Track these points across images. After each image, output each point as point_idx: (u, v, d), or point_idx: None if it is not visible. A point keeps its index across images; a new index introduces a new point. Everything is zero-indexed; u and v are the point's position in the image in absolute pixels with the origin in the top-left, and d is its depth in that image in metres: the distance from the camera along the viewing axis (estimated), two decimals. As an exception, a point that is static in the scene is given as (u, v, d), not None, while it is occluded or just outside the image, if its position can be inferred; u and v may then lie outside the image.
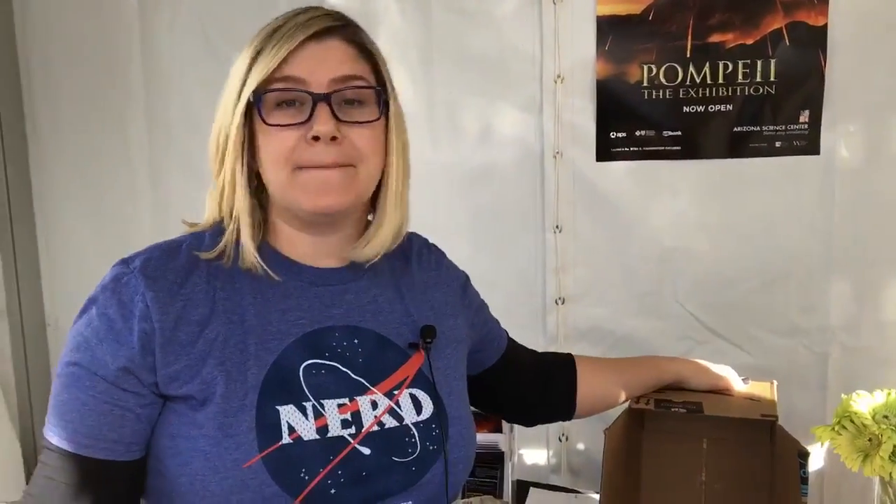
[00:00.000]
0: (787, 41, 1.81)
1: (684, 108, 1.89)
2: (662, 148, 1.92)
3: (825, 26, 1.79)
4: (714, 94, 1.87)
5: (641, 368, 1.38)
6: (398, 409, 0.97)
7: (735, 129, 1.88)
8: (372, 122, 0.96)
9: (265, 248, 0.99)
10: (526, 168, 2.00)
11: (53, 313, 2.35)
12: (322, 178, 0.93)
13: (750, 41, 1.83)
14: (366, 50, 0.98)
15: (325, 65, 0.93)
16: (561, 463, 2.09)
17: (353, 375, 0.96)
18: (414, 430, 0.97)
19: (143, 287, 0.89)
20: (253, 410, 0.88)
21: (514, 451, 1.65)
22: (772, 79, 1.83)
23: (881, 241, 1.85)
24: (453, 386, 1.07)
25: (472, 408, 1.12)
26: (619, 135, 1.94)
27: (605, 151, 1.95)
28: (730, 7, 1.82)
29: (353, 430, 0.92)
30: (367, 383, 0.97)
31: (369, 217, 1.07)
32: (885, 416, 1.18)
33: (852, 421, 1.14)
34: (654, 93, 1.90)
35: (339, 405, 0.93)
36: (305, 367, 0.93)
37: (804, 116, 1.84)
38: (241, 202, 0.96)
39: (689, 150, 1.91)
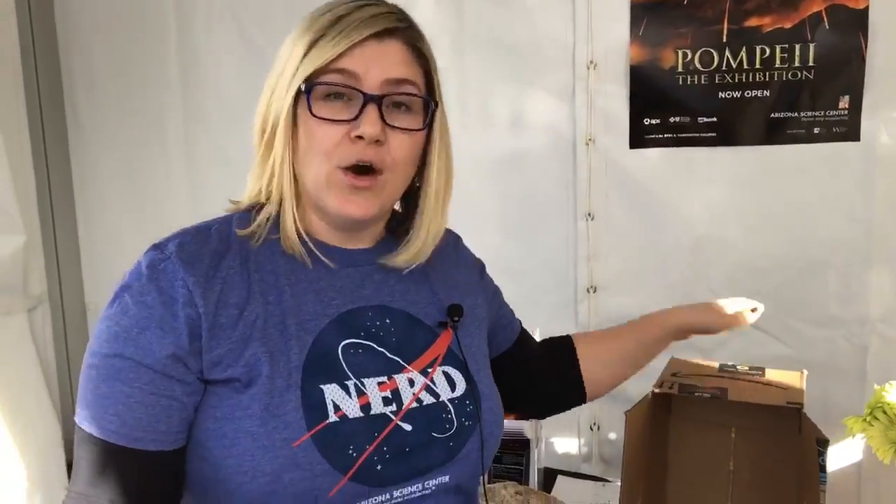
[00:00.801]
0: (826, 24, 1.77)
1: (720, 93, 1.86)
2: (697, 135, 1.89)
3: (866, 9, 1.74)
4: (751, 80, 1.83)
5: (640, 329, 1.34)
6: (434, 386, 0.98)
7: (772, 115, 1.84)
8: (415, 130, 0.96)
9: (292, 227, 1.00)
10: (558, 155, 1.99)
11: (93, 299, 2.41)
12: (354, 183, 0.93)
13: (788, 25, 1.79)
14: (422, 55, 0.98)
15: (381, 65, 0.92)
16: (592, 452, 2.08)
17: (388, 354, 0.97)
18: (450, 406, 0.98)
19: (183, 272, 0.88)
20: (298, 390, 0.88)
21: (540, 438, 1.65)
22: (810, 63, 1.79)
23: (924, 230, 1.81)
24: (481, 364, 1.08)
25: None
26: (653, 121, 1.91)
27: (639, 138, 1.93)
28: (767, -10, 1.79)
29: (394, 407, 0.93)
30: (402, 361, 0.98)
31: (396, 207, 1.07)
32: (919, 408, 1.15)
33: (885, 412, 1.12)
34: (689, 78, 1.87)
35: (379, 383, 0.94)
36: (344, 346, 0.94)
37: (844, 102, 1.80)
38: (288, 188, 0.95)
39: (725, 136, 1.88)
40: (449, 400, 0.98)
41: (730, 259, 1.93)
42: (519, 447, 1.58)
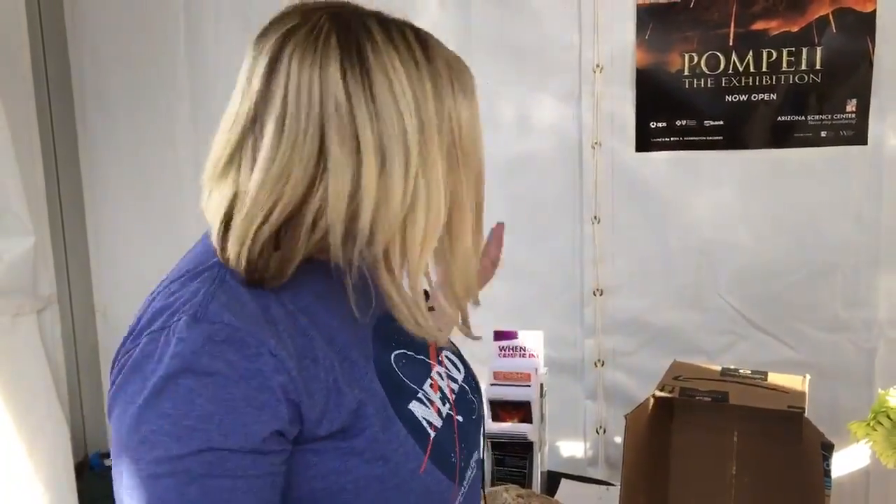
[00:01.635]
0: (833, 28, 1.77)
1: (726, 97, 1.86)
2: (704, 138, 1.89)
3: (874, 13, 1.74)
4: (757, 83, 1.83)
5: None
6: (450, 372, 0.99)
7: (779, 118, 1.84)
8: None
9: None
10: (564, 158, 1.99)
11: (102, 301, 2.42)
12: None
13: (795, 29, 1.79)
14: None
15: None
16: (598, 455, 2.08)
17: (416, 356, 0.95)
18: (466, 386, 1.00)
19: (259, 336, 0.74)
20: (396, 418, 0.83)
21: (544, 441, 1.64)
22: (817, 67, 1.79)
23: (932, 233, 1.80)
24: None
25: None
26: (660, 124, 1.91)
27: (645, 141, 1.93)
28: (774, -6, 1.79)
29: (447, 404, 0.94)
30: (426, 359, 0.97)
31: None
32: (923, 413, 1.15)
33: (889, 416, 1.11)
34: (695, 82, 1.87)
35: (430, 386, 0.93)
36: (394, 359, 0.90)
37: (851, 105, 1.79)
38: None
39: (732, 139, 1.88)
40: (462, 381, 1.00)
41: (737, 262, 1.93)
42: (522, 450, 1.57)
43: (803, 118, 1.83)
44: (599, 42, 1.91)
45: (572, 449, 2.09)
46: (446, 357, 1.01)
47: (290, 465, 0.78)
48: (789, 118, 1.84)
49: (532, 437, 1.58)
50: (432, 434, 0.87)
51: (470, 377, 1.02)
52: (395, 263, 0.81)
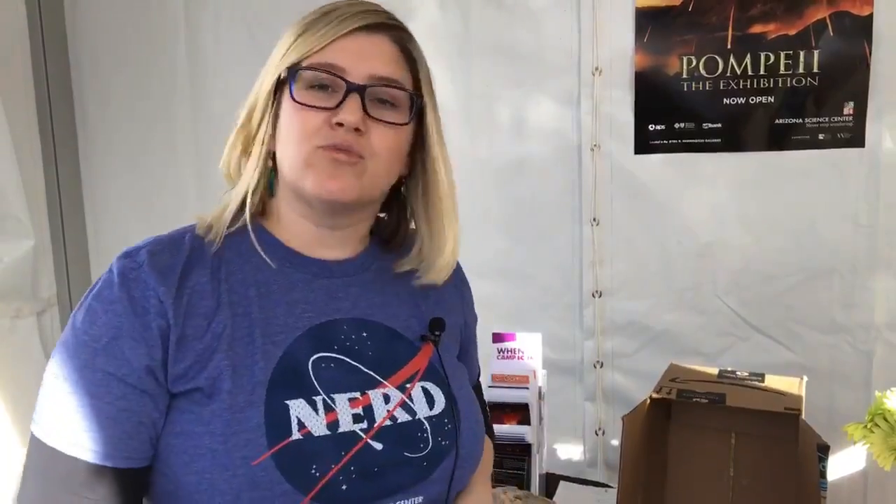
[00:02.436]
0: (830, 31, 1.77)
1: (724, 100, 1.86)
2: (702, 140, 1.90)
3: (870, 16, 1.74)
4: (755, 86, 1.84)
5: None
6: (411, 403, 0.95)
7: (777, 121, 1.85)
8: (398, 125, 0.94)
9: (267, 235, 0.97)
10: (563, 161, 2.00)
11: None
12: (333, 164, 0.91)
13: (792, 32, 1.80)
14: (411, 56, 0.97)
15: (368, 59, 0.92)
16: (597, 458, 2.08)
17: (363, 369, 0.94)
18: (426, 424, 0.95)
19: (154, 282, 0.85)
20: (261, 406, 0.85)
21: (542, 443, 1.65)
22: (815, 70, 1.80)
23: (928, 236, 1.80)
24: (462, 381, 1.05)
25: None
26: (658, 127, 1.92)
27: (644, 144, 1.93)
28: (772, -3, 1.79)
29: (364, 424, 0.90)
30: (378, 377, 0.95)
31: (381, 214, 1.06)
32: (920, 414, 1.15)
33: (885, 419, 1.12)
34: (693, 85, 1.87)
35: (350, 399, 0.91)
36: (314, 360, 0.91)
37: (848, 108, 1.80)
38: (255, 172, 0.94)
39: (730, 142, 1.89)
40: (426, 418, 0.95)
41: (735, 265, 1.94)
42: (520, 452, 1.58)
43: (801, 121, 1.83)
44: (598, 45, 1.92)
45: (571, 451, 2.10)
46: (421, 388, 0.97)
47: (165, 419, 0.87)
48: (787, 121, 1.84)
49: (530, 438, 1.59)
50: (295, 436, 0.86)
51: (443, 421, 0.96)
52: None
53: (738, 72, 1.84)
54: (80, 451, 0.83)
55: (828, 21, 1.77)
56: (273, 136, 0.95)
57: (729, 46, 1.83)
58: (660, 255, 1.99)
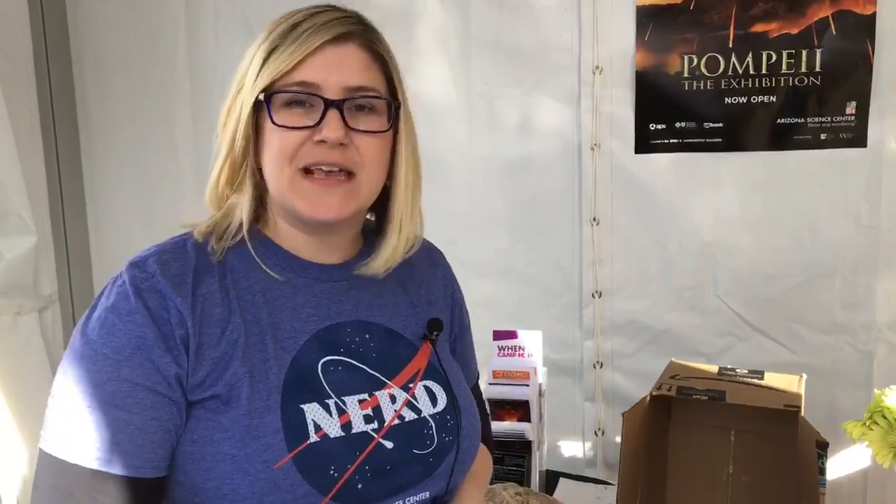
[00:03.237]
0: (833, 30, 1.77)
1: (726, 99, 1.86)
2: (703, 140, 1.90)
3: (873, 15, 1.74)
4: (757, 85, 1.84)
5: None
6: (415, 402, 0.98)
7: (778, 120, 1.84)
8: (380, 132, 0.95)
9: (267, 242, 0.98)
10: (563, 160, 2.00)
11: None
12: (323, 191, 0.92)
13: (795, 31, 1.79)
14: (380, 58, 0.97)
15: (339, 72, 0.91)
16: (597, 456, 2.08)
17: (369, 370, 0.96)
18: (431, 421, 0.98)
19: (170, 291, 0.86)
20: (278, 411, 0.87)
21: (542, 440, 1.65)
22: (817, 69, 1.79)
23: (931, 236, 1.80)
24: (459, 378, 1.08)
25: None
26: (659, 126, 1.91)
27: (644, 143, 1.93)
28: (774, -4, 1.79)
29: (375, 424, 0.93)
30: (383, 378, 0.97)
31: (369, 216, 1.06)
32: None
33: (884, 416, 1.11)
34: (694, 84, 1.87)
35: (360, 401, 0.93)
36: (323, 364, 0.93)
37: (850, 108, 1.79)
38: (247, 197, 0.94)
39: (731, 142, 1.88)
40: (430, 415, 0.98)
41: (735, 265, 1.93)
42: (520, 449, 1.58)
43: (803, 120, 1.83)
44: (599, 44, 1.92)
45: (571, 450, 2.09)
46: (423, 387, 1.00)
47: (183, 426, 0.87)
48: (789, 120, 1.84)
49: (531, 435, 1.59)
50: (313, 439, 0.87)
51: (446, 417, 0.99)
52: None
53: (740, 71, 1.84)
54: (108, 465, 0.83)
55: (830, 20, 1.77)
56: (257, 154, 0.95)
57: (730, 45, 1.83)
58: (660, 255, 1.98)
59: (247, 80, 0.93)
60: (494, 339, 1.72)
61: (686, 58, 1.86)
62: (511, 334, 1.72)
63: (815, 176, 1.85)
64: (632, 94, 1.92)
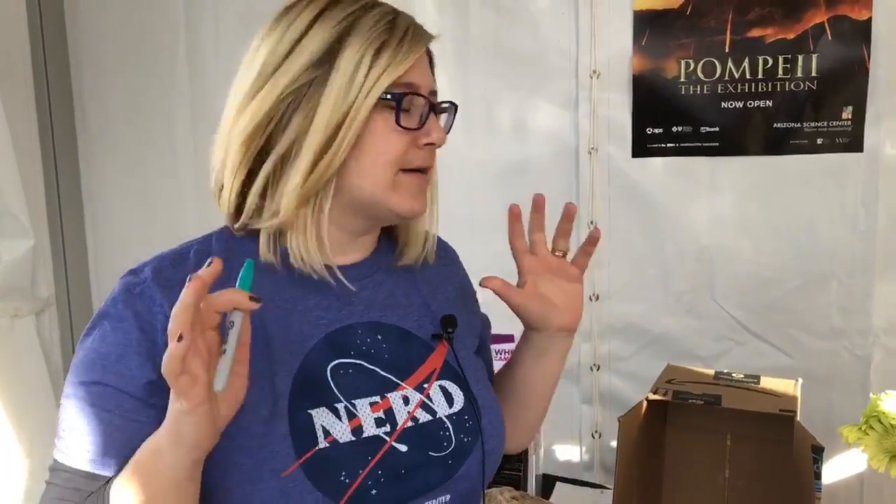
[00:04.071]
0: (829, 35, 1.78)
1: (723, 103, 1.87)
2: (700, 144, 1.90)
3: (869, 20, 1.75)
4: (753, 90, 1.84)
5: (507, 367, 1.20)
6: (430, 403, 0.95)
7: (775, 125, 1.85)
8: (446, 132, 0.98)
9: (271, 243, 0.94)
10: (561, 164, 2.00)
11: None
12: (420, 184, 0.94)
13: (791, 36, 1.80)
14: (432, 62, 0.99)
15: (427, 74, 0.94)
16: (594, 460, 2.08)
17: (381, 372, 0.94)
18: (448, 422, 0.95)
19: (160, 297, 0.85)
20: (285, 417, 0.85)
21: (539, 445, 1.65)
22: (813, 74, 1.80)
23: (927, 241, 1.80)
24: (479, 376, 1.05)
25: None
26: (656, 131, 1.92)
27: (642, 147, 1.94)
28: (770, 1, 1.80)
29: (388, 427, 0.91)
30: (396, 379, 0.95)
31: None
32: (915, 417, 1.15)
33: (880, 421, 1.12)
34: (691, 88, 1.88)
35: (372, 403, 0.91)
36: (332, 367, 0.91)
37: (847, 113, 1.80)
38: (324, 202, 0.91)
39: (728, 146, 1.89)
40: (446, 416, 0.95)
41: (732, 269, 1.94)
42: (517, 453, 1.58)
43: (799, 125, 1.84)
44: (596, 48, 1.92)
45: (568, 453, 2.09)
46: (439, 387, 0.98)
47: None
48: (785, 125, 1.84)
49: (527, 440, 1.59)
50: (322, 445, 0.86)
51: (464, 418, 0.97)
52: None
53: (737, 76, 1.84)
54: (85, 462, 0.84)
55: (826, 25, 1.77)
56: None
57: (727, 50, 1.84)
58: (657, 259, 1.99)
59: (355, 75, 0.87)
60: (492, 343, 1.71)
61: (683, 62, 1.87)
62: (508, 338, 1.72)
63: (812, 181, 1.86)
64: (629, 99, 1.93)
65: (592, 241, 1.19)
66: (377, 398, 0.92)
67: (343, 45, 0.88)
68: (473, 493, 0.98)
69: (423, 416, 0.94)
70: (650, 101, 1.91)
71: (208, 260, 0.76)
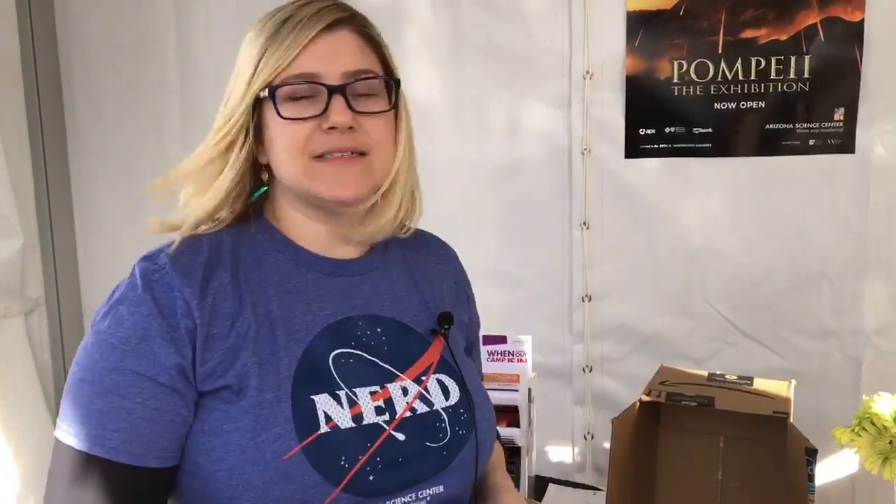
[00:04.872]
0: (821, 37, 1.78)
1: (715, 104, 1.87)
2: (693, 145, 1.90)
3: (861, 21, 1.75)
4: (746, 91, 1.84)
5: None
6: (428, 395, 0.98)
7: (767, 126, 1.85)
8: (385, 112, 0.97)
9: (279, 237, 1.00)
10: (554, 164, 2.00)
11: (90, 303, 2.41)
12: (338, 170, 0.94)
13: (784, 37, 1.80)
14: (373, 40, 0.99)
15: (337, 59, 0.93)
16: (586, 461, 2.08)
17: (380, 363, 0.97)
18: (444, 414, 0.98)
19: (179, 283, 0.88)
20: (288, 401, 0.88)
21: (531, 446, 1.65)
22: (806, 75, 1.80)
23: (918, 242, 1.81)
24: (472, 372, 1.09)
25: None
26: (649, 131, 1.92)
27: (634, 148, 1.94)
28: (763, 2, 1.80)
29: (387, 416, 0.93)
30: (395, 370, 0.97)
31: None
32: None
33: (873, 423, 1.12)
34: (684, 89, 1.88)
35: (372, 393, 0.94)
36: (334, 356, 0.94)
37: (839, 114, 1.80)
38: (229, 184, 0.96)
39: (720, 147, 1.89)
40: (443, 409, 0.98)
41: (724, 269, 1.94)
42: (510, 455, 1.57)
43: (791, 126, 1.84)
44: (589, 49, 1.92)
45: (560, 455, 2.09)
46: (436, 380, 1.00)
47: (194, 418, 0.89)
48: (777, 126, 1.85)
49: (520, 441, 1.59)
50: (324, 430, 0.88)
51: (459, 411, 0.99)
52: None
53: (729, 77, 1.84)
54: (109, 451, 0.85)
55: (819, 27, 1.78)
56: (258, 149, 0.97)
57: (720, 51, 1.84)
58: (650, 260, 1.99)
59: (242, 78, 0.94)
60: (484, 343, 1.71)
61: (676, 63, 1.87)
62: (501, 339, 1.72)
63: (804, 182, 1.86)
64: (622, 99, 1.93)
65: None
66: (377, 388, 0.95)
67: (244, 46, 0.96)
68: (465, 485, 1.00)
69: (421, 408, 0.97)
70: (643, 101, 1.91)
71: None
